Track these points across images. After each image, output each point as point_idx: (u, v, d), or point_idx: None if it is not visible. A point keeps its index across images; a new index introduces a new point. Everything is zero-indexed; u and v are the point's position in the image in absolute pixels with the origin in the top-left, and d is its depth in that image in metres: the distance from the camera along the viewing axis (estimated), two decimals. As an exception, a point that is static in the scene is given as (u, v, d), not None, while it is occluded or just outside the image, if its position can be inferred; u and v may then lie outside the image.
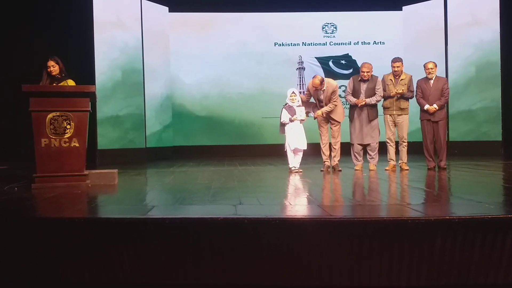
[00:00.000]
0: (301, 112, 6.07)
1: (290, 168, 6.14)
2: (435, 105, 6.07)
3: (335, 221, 2.75)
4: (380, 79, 6.25)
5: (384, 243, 2.61)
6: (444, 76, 8.59)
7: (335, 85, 6.27)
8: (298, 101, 6.13)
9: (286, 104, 6.14)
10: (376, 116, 6.22)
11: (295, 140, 6.07)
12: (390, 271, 2.61)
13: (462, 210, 3.11)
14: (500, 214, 2.74)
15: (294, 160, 6.13)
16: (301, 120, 6.09)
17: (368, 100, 6.11)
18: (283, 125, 6.16)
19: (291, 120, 6.04)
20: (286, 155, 6.20)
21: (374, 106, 6.21)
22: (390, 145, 6.32)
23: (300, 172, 6.01)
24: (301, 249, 2.64)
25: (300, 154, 6.18)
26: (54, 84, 4.92)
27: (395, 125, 6.28)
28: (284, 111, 6.10)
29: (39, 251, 2.73)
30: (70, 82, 5.01)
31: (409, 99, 6.25)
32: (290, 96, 6.10)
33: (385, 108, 6.31)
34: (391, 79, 6.25)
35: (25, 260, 2.74)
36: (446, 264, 2.59)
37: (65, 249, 2.72)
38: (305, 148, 6.14)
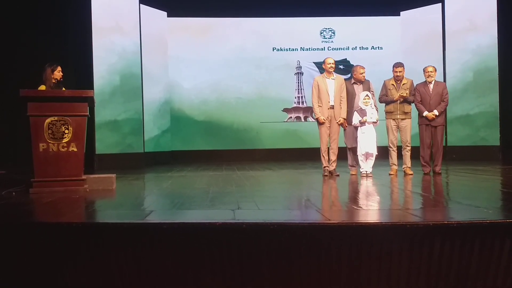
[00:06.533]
0: (372, 114, 5.97)
1: (361, 172, 6.00)
2: (435, 111, 6.08)
3: (334, 226, 2.75)
4: (371, 82, 6.33)
5: (382, 248, 2.60)
6: (442, 81, 8.61)
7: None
8: (371, 104, 6.03)
9: (359, 107, 6.04)
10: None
11: (366, 144, 5.97)
12: (389, 276, 2.61)
13: (460, 215, 3.10)
14: (499, 219, 2.74)
15: (366, 165, 6.00)
16: (373, 123, 6.01)
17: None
18: (355, 127, 6.07)
19: (361, 122, 5.96)
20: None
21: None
22: (392, 149, 6.30)
23: (371, 176, 5.89)
24: (299, 253, 2.63)
25: (372, 158, 6.01)
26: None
27: (398, 130, 6.29)
28: (356, 114, 6.02)
29: (37, 256, 2.72)
30: None
31: (412, 103, 6.27)
32: (364, 99, 6.00)
33: (388, 112, 6.32)
34: (393, 84, 6.27)
35: (23, 265, 2.73)
36: (445, 268, 2.59)
37: (63, 254, 2.71)
38: (376, 152, 6.00)
